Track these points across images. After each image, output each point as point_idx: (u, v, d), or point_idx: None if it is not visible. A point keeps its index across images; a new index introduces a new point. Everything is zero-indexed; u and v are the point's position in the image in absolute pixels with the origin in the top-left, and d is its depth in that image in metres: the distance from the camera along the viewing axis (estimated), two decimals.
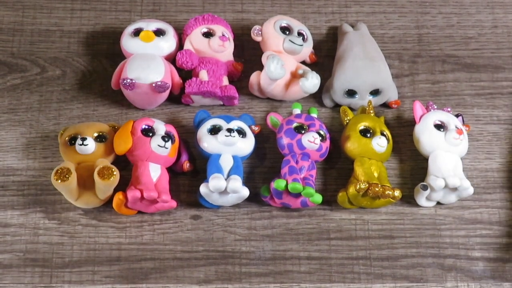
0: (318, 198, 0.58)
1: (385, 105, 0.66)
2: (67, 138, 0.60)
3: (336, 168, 0.63)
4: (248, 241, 0.60)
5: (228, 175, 0.59)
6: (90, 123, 0.61)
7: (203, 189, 0.58)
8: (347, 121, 0.63)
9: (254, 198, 0.61)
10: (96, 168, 0.56)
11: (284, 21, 0.66)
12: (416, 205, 0.62)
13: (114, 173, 0.56)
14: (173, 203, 0.59)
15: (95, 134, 0.60)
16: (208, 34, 0.65)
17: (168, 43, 0.65)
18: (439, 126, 0.63)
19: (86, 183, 0.57)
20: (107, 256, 0.59)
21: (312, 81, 0.63)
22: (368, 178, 0.59)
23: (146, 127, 0.60)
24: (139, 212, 0.60)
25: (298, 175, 0.59)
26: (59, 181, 0.56)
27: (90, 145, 0.58)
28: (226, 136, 0.59)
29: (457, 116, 0.64)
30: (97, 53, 0.68)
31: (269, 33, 0.65)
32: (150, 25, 0.65)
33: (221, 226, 0.60)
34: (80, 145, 0.58)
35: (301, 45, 0.65)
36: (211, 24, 0.66)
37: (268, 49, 0.65)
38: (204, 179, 0.59)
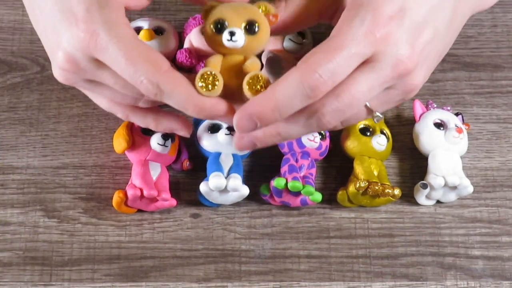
0: (318, 196, 0.58)
1: None
2: (211, 25, 0.49)
3: (336, 166, 0.63)
4: (248, 239, 0.60)
5: (228, 174, 0.59)
6: (238, 5, 0.50)
7: (203, 187, 0.58)
8: None
9: (254, 197, 0.61)
10: (245, 76, 0.48)
11: None
12: (416, 203, 0.62)
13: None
14: (173, 202, 0.59)
15: (243, 25, 0.49)
16: None
17: (168, 42, 0.65)
18: (439, 125, 0.63)
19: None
20: (107, 255, 0.59)
21: None
22: (368, 176, 0.59)
23: None
24: (139, 210, 0.60)
25: (298, 173, 0.59)
26: (204, 89, 0.47)
27: (240, 40, 0.49)
28: (226, 134, 0.59)
29: (456, 114, 0.64)
30: None
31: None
32: (150, 24, 0.65)
33: (220, 224, 0.60)
34: (229, 40, 0.49)
35: (301, 44, 0.65)
36: None
37: (268, 48, 0.65)
38: (204, 177, 0.59)
